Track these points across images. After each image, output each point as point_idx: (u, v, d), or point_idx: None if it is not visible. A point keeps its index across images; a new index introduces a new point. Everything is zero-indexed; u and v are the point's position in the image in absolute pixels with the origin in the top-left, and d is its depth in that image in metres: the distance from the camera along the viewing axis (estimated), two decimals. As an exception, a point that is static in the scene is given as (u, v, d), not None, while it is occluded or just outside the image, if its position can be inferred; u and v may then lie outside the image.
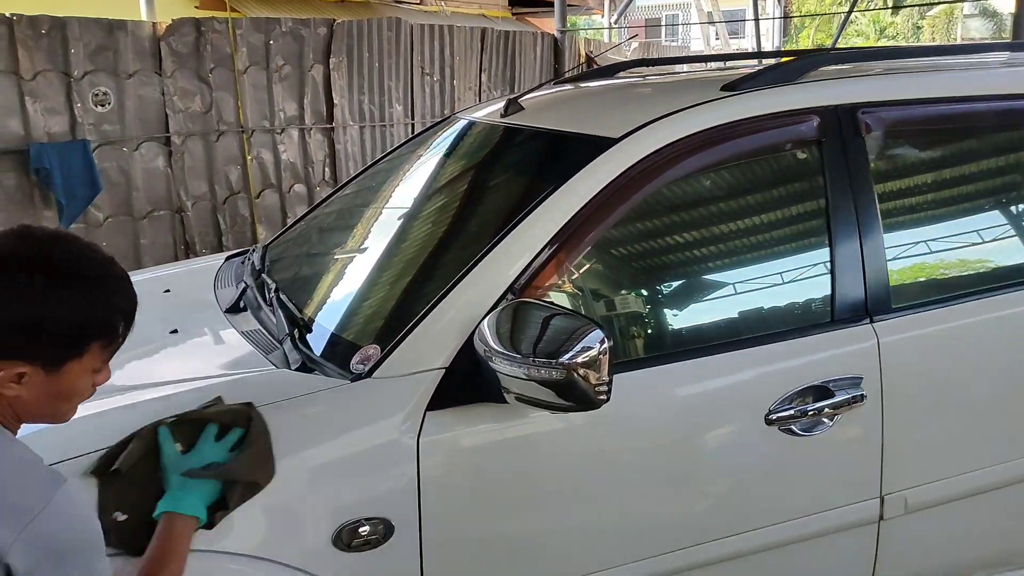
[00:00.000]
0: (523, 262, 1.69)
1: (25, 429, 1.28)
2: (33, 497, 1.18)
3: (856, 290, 1.90)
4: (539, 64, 8.97)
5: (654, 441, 1.76)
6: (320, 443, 1.56)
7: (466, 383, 1.60)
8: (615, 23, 14.75)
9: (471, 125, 2.46)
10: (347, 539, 1.54)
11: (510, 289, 1.66)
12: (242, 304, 2.15)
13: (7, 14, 5.24)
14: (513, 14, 14.12)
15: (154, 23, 6.11)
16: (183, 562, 1.39)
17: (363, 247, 2.32)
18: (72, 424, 1.34)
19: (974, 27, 23.62)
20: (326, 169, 7.00)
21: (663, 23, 26.63)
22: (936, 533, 2.05)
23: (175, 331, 2.02)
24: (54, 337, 1.22)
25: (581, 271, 1.82)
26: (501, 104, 2.35)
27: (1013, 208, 2.25)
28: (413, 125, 7.48)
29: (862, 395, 1.85)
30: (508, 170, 2.28)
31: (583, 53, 9.98)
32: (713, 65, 3.29)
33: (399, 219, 2.33)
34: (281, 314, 1.94)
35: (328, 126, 6.92)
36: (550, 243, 1.71)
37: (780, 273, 1.98)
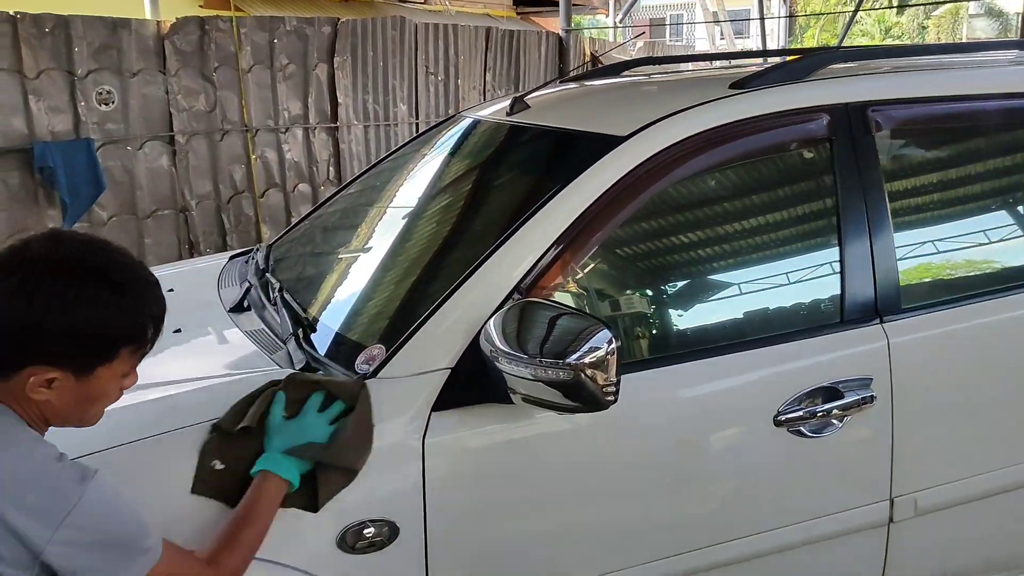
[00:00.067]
0: (529, 261, 1.67)
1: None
2: (66, 493, 1.19)
3: (866, 290, 1.88)
4: (544, 64, 8.94)
5: (661, 443, 1.74)
6: (324, 444, 1.54)
7: (472, 384, 1.59)
8: (620, 22, 14.72)
9: (476, 123, 2.44)
10: (352, 541, 1.52)
11: (516, 289, 1.65)
12: (246, 304, 2.14)
13: (11, 12, 5.23)
14: (518, 13, 14.11)
15: (158, 22, 6.10)
16: (269, 522, 1.42)
17: (368, 246, 2.30)
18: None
19: (979, 27, 23.56)
20: (330, 168, 6.99)
21: (668, 23, 26.61)
22: (947, 536, 2.03)
23: (179, 330, 2.01)
24: (85, 343, 1.22)
25: (588, 270, 1.80)
26: (507, 102, 2.33)
27: (1024, 207, 2.23)
28: (417, 124, 7.46)
29: (872, 396, 1.83)
30: (514, 169, 2.26)
31: (588, 53, 9.96)
32: (719, 63, 3.26)
33: (404, 218, 2.32)
34: (285, 313, 1.93)
35: (332, 125, 6.91)
36: (557, 242, 1.69)
37: (789, 273, 1.96)
